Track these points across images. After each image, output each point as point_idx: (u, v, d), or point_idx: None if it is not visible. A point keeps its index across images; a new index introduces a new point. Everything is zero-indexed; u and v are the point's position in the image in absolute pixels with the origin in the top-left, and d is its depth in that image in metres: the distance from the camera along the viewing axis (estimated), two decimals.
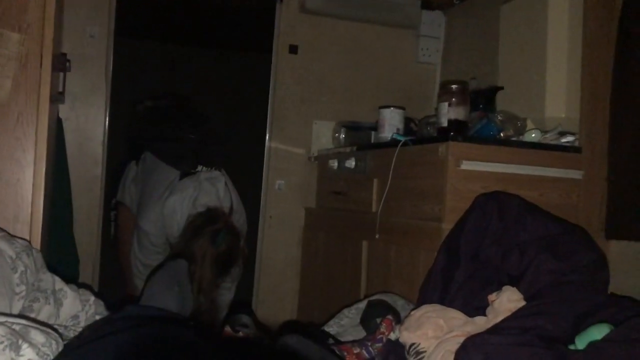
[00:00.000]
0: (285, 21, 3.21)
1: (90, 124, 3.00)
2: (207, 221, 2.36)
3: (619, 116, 2.13)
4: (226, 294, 2.71)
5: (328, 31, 3.27)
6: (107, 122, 3.02)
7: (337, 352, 1.51)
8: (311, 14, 3.20)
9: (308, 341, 1.37)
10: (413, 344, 1.49)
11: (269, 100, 3.23)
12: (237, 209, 2.67)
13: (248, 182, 3.23)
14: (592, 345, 1.29)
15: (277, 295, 3.21)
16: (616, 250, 2.19)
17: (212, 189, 2.61)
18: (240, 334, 1.62)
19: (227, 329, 1.67)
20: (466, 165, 2.06)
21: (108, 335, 1.22)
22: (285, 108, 3.21)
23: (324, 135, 3.24)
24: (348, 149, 2.84)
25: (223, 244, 2.33)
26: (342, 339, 1.74)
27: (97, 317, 1.67)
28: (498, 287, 1.62)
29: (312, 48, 3.25)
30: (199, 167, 2.73)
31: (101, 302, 1.73)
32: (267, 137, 3.23)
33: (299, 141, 3.23)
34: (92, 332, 1.33)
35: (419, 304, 1.74)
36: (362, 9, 3.18)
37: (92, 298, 1.71)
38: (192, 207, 2.53)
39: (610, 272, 2.16)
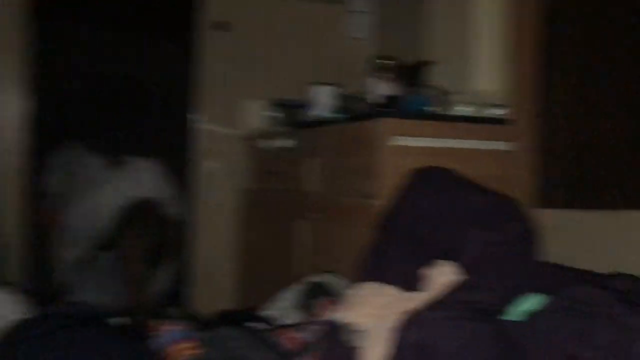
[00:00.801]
0: None
1: (3, 112, 2.81)
2: (137, 214, 2.26)
3: (548, 87, 2.15)
4: (159, 283, 2.63)
5: (256, 7, 3.18)
6: (25, 109, 2.84)
7: (273, 337, 1.47)
8: None
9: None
10: (351, 323, 1.46)
11: (196, 80, 3.12)
12: (170, 198, 2.57)
13: (179, 166, 3.13)
14: (532, 315, 1.30)
15: (214, 282, 3.14)
16: (550, 219, 2.24)
17: (142, 178, 2.50)
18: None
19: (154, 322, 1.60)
20: (399, 141, 2.05)
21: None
22: (213, 88, 3.12)
23: (256, 114, 3.17)
24: (282, 128, 2.79)
25: (153, 237, 2.23)
26: (280, 323, 1.70)
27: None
28: (433, 262, 1.61)
29: (239, 25, 3.16)
30: (129, 157, 2.61)
31: (24, 300, 1.63)
32: (195, 119, 3.12)
33: (230, 121, 3.15)
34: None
35: (356, 283, 1.72)
36: None
37: (14, 297, 1.61)
38: (122, 199, 2.42)
39: (545, 240, 2.22)
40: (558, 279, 1.47)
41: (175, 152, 3.21)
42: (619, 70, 1.93)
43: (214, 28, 3.10)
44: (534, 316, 1.28)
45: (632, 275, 1.61)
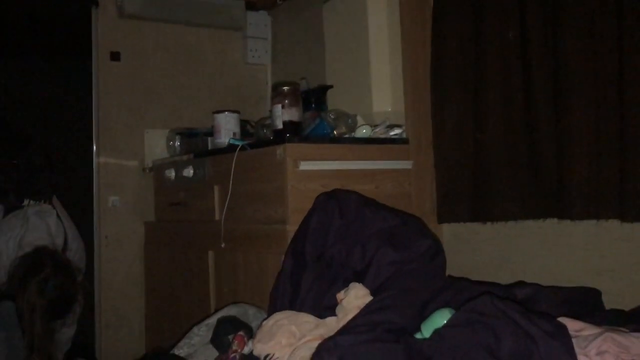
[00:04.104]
0: (103, 27, 3.01)
1: None
2: (33, 268, 2.08)
3: (439, 107, 2.26)
4: (67, 332, 2.46)
5: (152, 36, 3.12)
6: None
7: None
8: (131, 19, 3.04)
9: None
10: (267, 355, 1.46)
11: (93, 112, 3.01)
12: (72, 242, 2.42)
13: (80, 201, 2.99)
14: (436, 331, 1.35)
15: (121, 319, 3.01)
16: (448, 233, 2.34)
17: (41, 224, 2.32)
18: None
19: None
20: (304, 166, 2.07)
21: None
22: (111, 119, 3.02)
23: (157, 144, 3.10)
24: (184, 157, 2.74)
25: (53, 292, 2.07)
26: None
27: None
28: (345, 285, 1.64)
29: (136, 54, 3.09)
30: (25, 201, 2.42)
31: None
32: (94, 152, 3.01)
33: (131, 153, 3.06)
34: None
35: (270, 311, 1.72)
36: (185, 12, 3.08)
37: None
38: (18, 248, 2.23)
39: (448, 254, 2.30)
40: (464, 293, 1.54)
41: (75, 189, 3.07)
42: (504, 89, 2.05)
43: (109, 58, 3.01)
44: (441, 331, 1.32)
45: (530, 283, 1.71)
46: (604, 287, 1.80)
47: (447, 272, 2.28)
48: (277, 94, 2.22)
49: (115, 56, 3.03)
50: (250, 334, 1.64)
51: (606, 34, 1.78)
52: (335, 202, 1.82)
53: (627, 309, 1.69)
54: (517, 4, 2.02)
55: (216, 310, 1.98)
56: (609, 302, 1.76)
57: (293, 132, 2.13)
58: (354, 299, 1.54)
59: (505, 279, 2.03)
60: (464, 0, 2.19)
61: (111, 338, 2.97)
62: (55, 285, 2.10)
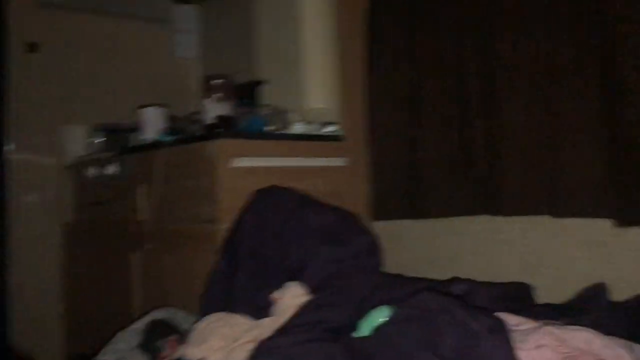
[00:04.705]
0: (19, 16, 2.81)
1: None
2: None
3: (374, 105, 2.24)
4: None
5: (73, 27, 2.95)
6: None
7: None
8: (51, 8, 2.86)
9: None
10: (200, 359, 1.38)
11: (7, 106, 2.80)
12: None
13: None
14: (379, 328, 1.31)
15: (39, 326, 2.81)
16: (382, 230, 2.32)
17: None
18: None
19: None
20: (237, 162, 2.00)
21: None
22: (27, 113, 2.82)
23: (77, 141, 2.92)
24: (107, 155, 2.60)
25: None
26: None
27: None
28: (282, 284, 1.58)
29: (55, 46, 2.90)
30: None
31: None
32: (7, 148, 2.80)
33: (48, 150, 2.87)
34: None
35: (202, 314, 1.63)
36: (110, 2, 2.93)
37: None
38: None
39: (384, 251, 2.29)
40: (402, 289, 1.51)
41: None
42: (438, 86, 2.06)
43: (25, 50, 2.82)
44: (381, 329, 1.29)
45: (465, 279, 1.70)
46: (535, 282, 1.82)
47: (385, 270, 2.28)
48: (208, 87, 2.13)
49: (32, 47, 2.84)
50: (183, 338, 1.55)
51: (537, 36, 1.81)
52: (271, 198, 1.76)
53: (557, 302, 1.72)
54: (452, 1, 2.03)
55: (143, 315, 1.87)
56: (540, 296, 1.78)
57: (225, 127, 2.05)
58: (291, 298, 1.49)
59: (438, 276, 2.02)
60: None
61: (27, 344, 2.78)
62: None
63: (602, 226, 1.72)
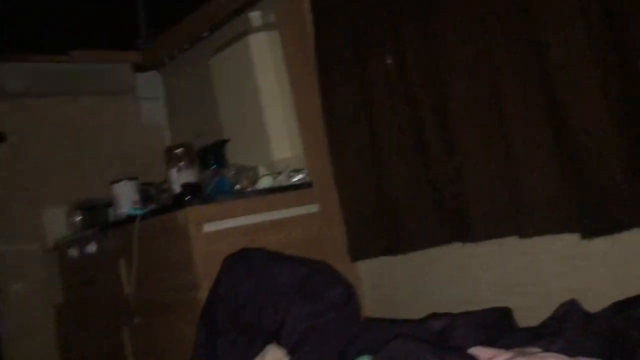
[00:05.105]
0: None
1: None
2: None
3: (336, 147, 2.28)
4: None
5: (39, 112, 2.99)
6: None
7: None
8: (14, 98, 2.91)
9: None
10: None
11: None
12: None
13: None
14: None
15: None
16: (363, 270, 2.34)
17: None
18: None
19: None
20: (209, 227, 2.03)
21: None
22: (3, 203, 2.86)
23: (58, 222, 2.95)
24: (87, 233, 2.62)
25: None
26: None
27: None
28: (263, 347, 1.60)
29: (23, 133, 2.95)
30: None
31: None
32: None
33: (30, 235, 2.89)
34: None
35: None
36: (70, 83, 2.99)
37: None
38: None
39: (363, 290, 2.31)
40: (379, 336, 1.53)
41: None
42: (392, 121, 2.10)
43: None
44: None
45: (443, 314, 1.72)
46: (514, 303, 1.85)
47: (368, 308, 2.30)
48: (170, 157, 2.18)
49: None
50: None
51: (481, 56, 1.85)
52: (242, 261, 1.79)
53: (538, 320, 1.74)
54: (391, 29, 2.07)
55: None
56: (522, 316, 1.80)
57: (192, 194, 2.08)
58: None
59: (421, 308, 2.05)
60: (343, 40, 2.23)
61: None
62: None
63: (570, 240, 1.75)
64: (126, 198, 2.47)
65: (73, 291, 2.80)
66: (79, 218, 2.82)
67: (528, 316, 1.79)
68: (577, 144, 1.66)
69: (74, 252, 2.67)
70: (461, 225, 1.92)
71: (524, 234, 1.80)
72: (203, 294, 1.92)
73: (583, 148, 1.65)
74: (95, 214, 2.78)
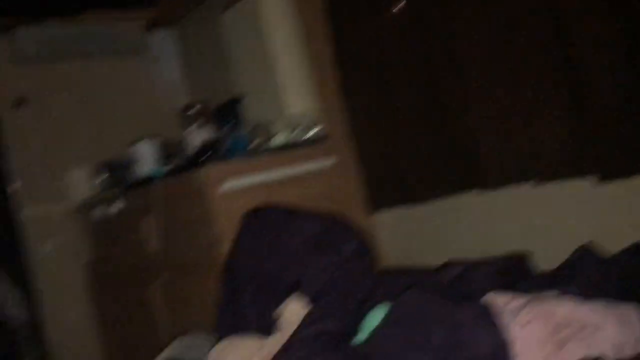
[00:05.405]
0: (1, 76, 2.90)
1: None
2: None
3: (350, 100, 2.28)
4: None
5: (57, 75, 3.02)
6: None
7: None
8: (29, 64, 2.94)
9: None
10: None
11: (6, 165, 2.90)
12: (4, 300, 2.35)
13: (12, 255, 2.88)
14: (373, 332, 1.37)
15: None
16: (381, 221, 2.37)
17: None
18: None
19: None
20: (227, 186, 2.06)
21: None
22: (28, 168, 2.92)
23: (82, 183, 3.01)
24: (111, 193, 2.68)
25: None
26: None
27: None
28: (284, 299, 1.65)
29: (43, 96, 2.99)
30: None
31: None
32: (17, 205, 2.91)
33: (56, 197, 2.97)
34: None
35: (217, 339, 1.71)
36: (83, 45, 3.00)
37: None
38: None
39: (381, 241, 2.34)
40: (391, 287, 1.56)
41: (3, 243, 2.96)
42: (405, 71, 2.08)
43: (13, 106, 2.91)
44: (374, 333, 1.35)
45: (459, 262, 1.75)
46: (531, 249, 1.87)
47: (386, 258, 2.34)
48: (186, 116, 2.19)
49: (19, 103, 2.93)
50: None
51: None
52: (260, 218, 1.82)
53: (555, 265, 1.76)
54: None
55: (166, 345, 1.96)
56: (540, 260, 1.82)
57: (211, 152, 2.11)
58: (292, 313, 1.55)
59: (440, 256, 2.07)
60: None
61: None
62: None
63: (587, 184, 1.75)
64: (146, 158, 2.50)
65: (101, 250, 2.88)
66: (102, 179, 2.88)
67: (545, 261, 1.81)
68: (592, 87, 1.63)
69: (99, 212, 2.74)
70: (477, 174, 1.93)
71: (540, 179, 1.80)
72: (225, 250, 1.97)
73: (599, 91, 1.63)
74: (118, 174, 2.83)
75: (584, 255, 1.57)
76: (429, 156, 2.05)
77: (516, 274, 1.67)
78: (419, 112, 2.08)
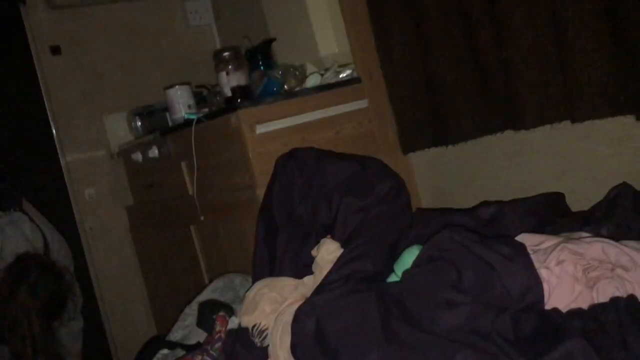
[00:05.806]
0: (36, 22, 2.94)
1: None
2: (20, 275, 2.13)
3: (383, 40, 2.24)
4: (74, 324, 2.54)
5: (88, 20, 3.05)
6: None
7: None
8: (63, 9, 2.96)
9: None
10: (254, 325, 1.52)
11: (48, 111, 2.98)
12: (52, 242, 2.46)
13: (56, 198, 2.99)
14: (405, 272, 1.40)
15: (126, 305, 3.09)
16: (415, 162, 2.37)
17: (16, 232, 2.35)
18: None
19: None
20: (261, 129, 2.07)
21: None
22: (67, 113, 2.99)
23: (120, 128, 3.08)
24: (148, 138, 2.74)
25: (44, 294, 2.13)
26: (189, 342, 1.72)
27: None
28: (318, 241, 1.68)
29: (77, 43, 3.02)
30: None
31: None
32: (58, 150, 2.99)
33: (95, 142, 3.05)
34: None
35: (253, 280, 1.77)
36: None
37: None
38: (0, 260, 2.28)
39: (416, 182, 2.35)
40: (425, 227, 1.58)
41: (48, 187, 3.05)
42: (441, 15, 2.03)
43: (50, 53, 2.95)
44: (408, 272, 1.38)
45: (493, 202, 1.75)
46: (567, 188, 1.86)
47: (421, 199, 2.35)
48: (219, 61, 2.20)
49: (55, 50, 2.97)
50: (231, 312, 1.70)
51: None
52: (293, 161, 1.84)
53: (591, 203, 1.75)
54: None
55: (205, 286, 2.04)
56: (576, 200, 1.81)
57: (242, 97, 2.12)
58: (326, 254, 1.59)
59: (475, 197, 2.08)
60: None
61: (119, 322, 3.06)
62: (45, 287, 2.16)
63: (624, 122, 1.71)
64: (181, 103, 2.53)
65: (140, 193, 2.97)
66: (139, 123, 2.93)
67: (580, 201, 1.80)
68: (630, 24, 1.57)
69: (137, 156, 2.80)
70: (512, 113, 1.90)
71: (576, 118, 1.76)
72: (260, 193, 2.01)
73: (636, 27, 1.57)
74: (154, 119, 2.88)
75: (620, 194, 1.56)
76: (463, 96, 2.02)
77: (551, 214, 1.67)
78: (452, 51, 2.04)
